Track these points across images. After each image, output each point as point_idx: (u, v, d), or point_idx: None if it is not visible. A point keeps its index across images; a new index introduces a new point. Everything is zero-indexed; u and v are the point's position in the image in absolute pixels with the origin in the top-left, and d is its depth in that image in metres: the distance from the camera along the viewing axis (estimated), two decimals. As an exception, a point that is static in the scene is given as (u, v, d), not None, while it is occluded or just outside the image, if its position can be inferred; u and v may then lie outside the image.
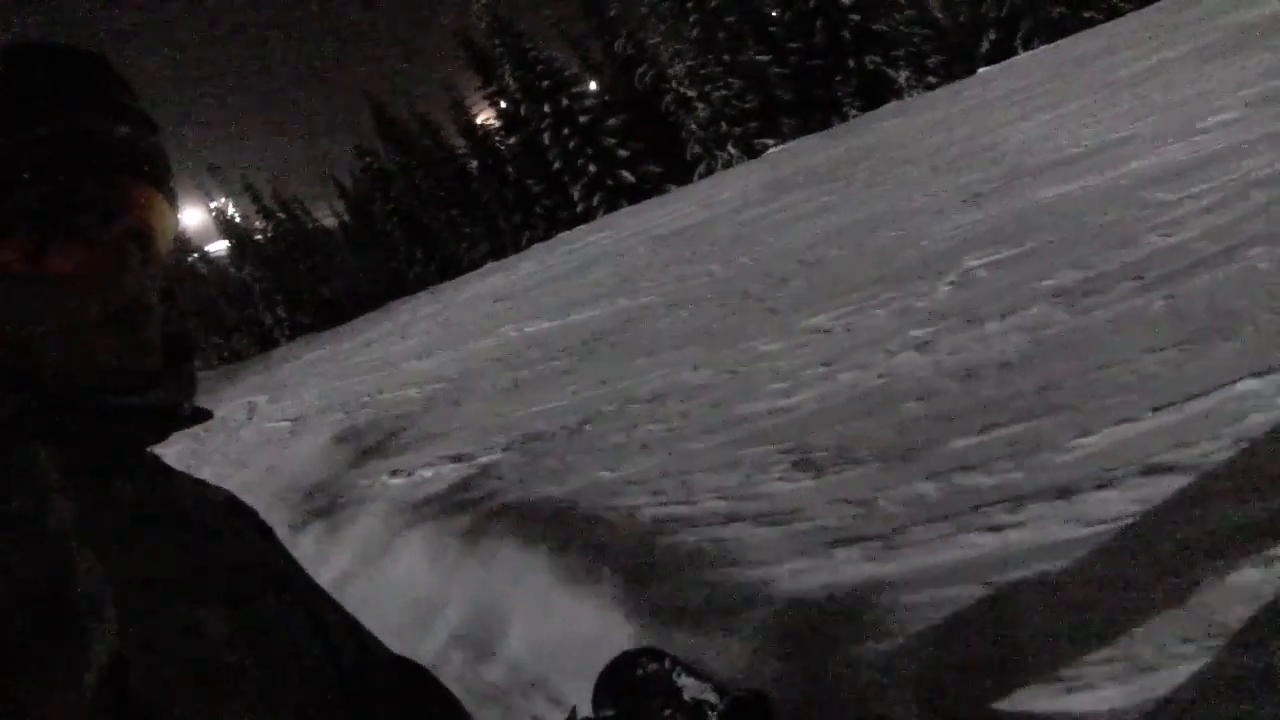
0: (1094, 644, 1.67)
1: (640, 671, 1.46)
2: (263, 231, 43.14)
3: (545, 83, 25.63)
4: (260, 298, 39.50)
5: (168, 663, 0.57)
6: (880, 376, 3.65)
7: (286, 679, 0.67)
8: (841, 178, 11.86)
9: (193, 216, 62.39)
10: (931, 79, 24.99)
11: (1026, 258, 4.57)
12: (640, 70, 25.94)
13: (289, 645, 0.70)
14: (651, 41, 25.73)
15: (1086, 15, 23.81)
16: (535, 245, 23.16)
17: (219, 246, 50.81)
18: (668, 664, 1.46)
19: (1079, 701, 1.58)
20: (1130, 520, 1.99)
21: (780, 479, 2.96)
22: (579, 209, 26.71)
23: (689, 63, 24.22)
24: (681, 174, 25.39)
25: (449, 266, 30.89)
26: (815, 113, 23.64)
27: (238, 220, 46.17)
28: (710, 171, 24.29)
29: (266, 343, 38.88)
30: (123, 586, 0.55)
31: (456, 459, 4.63)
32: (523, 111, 26.81)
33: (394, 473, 4.76)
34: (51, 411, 0.61)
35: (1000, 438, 2.66)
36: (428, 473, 4.54)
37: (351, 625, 0.87)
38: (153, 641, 0.57)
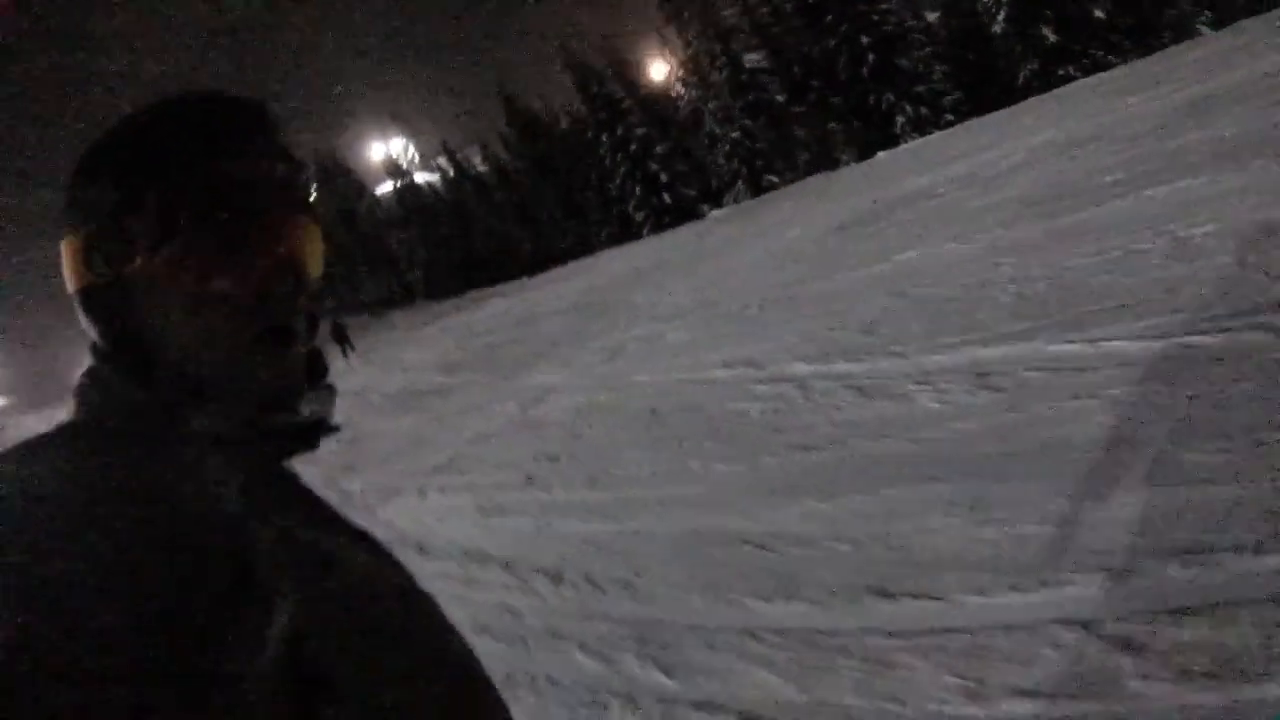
0: None
1: None
2: (425, 173, 47.48)
3: (603, 114, 30.40)
4: (404, 257, 45.71)
5: (343, 630, 0.63)
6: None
7: (447, 647, 0.72)
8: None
9: (378, 151, 68.25)
10: (949, 116, 26.89)
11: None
12: (682, 103, 29.99)
13: (444, 620, 0.76)
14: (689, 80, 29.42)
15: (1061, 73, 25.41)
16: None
17: (387, 188, 54.99)
18: None
19: None
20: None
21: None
22: (639, 217, 31.58)
23: (718, 102, 27.99)
24: (715, 197, 29.46)
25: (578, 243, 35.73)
26: (824, 152, 26.66)
27: (415, 161, 51.08)
28: (733, 200, 28.33)
29: (410, 296, 45.26)
30: (297, 565, 0.61)
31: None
32: (589, 135, 31.86)
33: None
34: (221, 428, 0.69)
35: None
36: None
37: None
38: (327, 611, 0.62)
